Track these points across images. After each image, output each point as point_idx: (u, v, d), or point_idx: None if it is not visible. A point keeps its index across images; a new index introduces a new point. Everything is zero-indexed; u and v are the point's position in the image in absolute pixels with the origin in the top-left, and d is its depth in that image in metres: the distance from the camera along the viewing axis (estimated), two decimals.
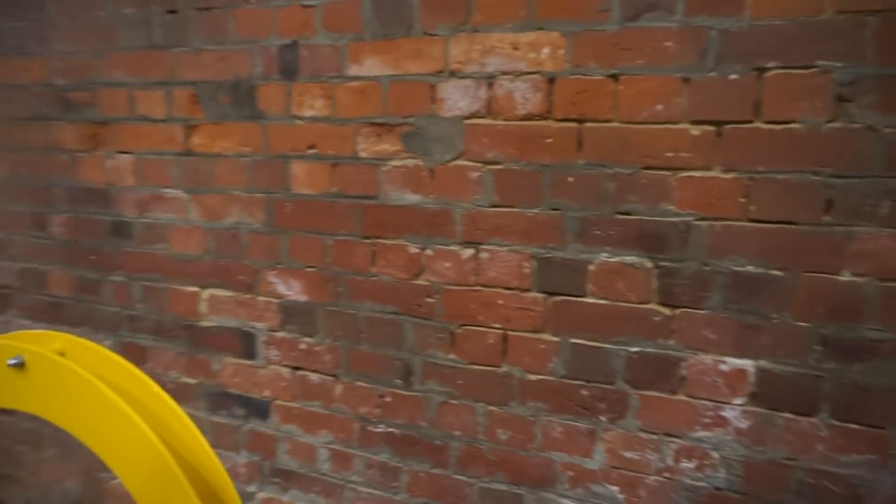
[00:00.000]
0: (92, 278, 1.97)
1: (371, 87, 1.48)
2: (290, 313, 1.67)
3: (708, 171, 1.21)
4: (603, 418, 1.35)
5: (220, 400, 1.82)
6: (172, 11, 1.69)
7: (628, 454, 1.34)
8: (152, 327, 1.89)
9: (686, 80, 1.21)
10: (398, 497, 1.60)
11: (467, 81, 1.38)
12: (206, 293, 1.79)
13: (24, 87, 1.98)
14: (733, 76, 1.17)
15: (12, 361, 0.66)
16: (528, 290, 1.39)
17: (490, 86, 1.37)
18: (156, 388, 0.71)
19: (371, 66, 1.47)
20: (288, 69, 1.57)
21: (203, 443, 0.71)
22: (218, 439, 1.84)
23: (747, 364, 1.21)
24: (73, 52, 1.86)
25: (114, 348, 1.97)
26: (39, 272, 2.08)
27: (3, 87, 2.02)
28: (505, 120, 1.36)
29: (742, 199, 1.19)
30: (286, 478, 1.75)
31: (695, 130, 1.21)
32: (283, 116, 1.60)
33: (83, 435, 0.69)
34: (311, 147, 1.58)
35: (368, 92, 1.49)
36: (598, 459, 1.37)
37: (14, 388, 0.68)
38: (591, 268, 1.33)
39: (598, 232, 1.31)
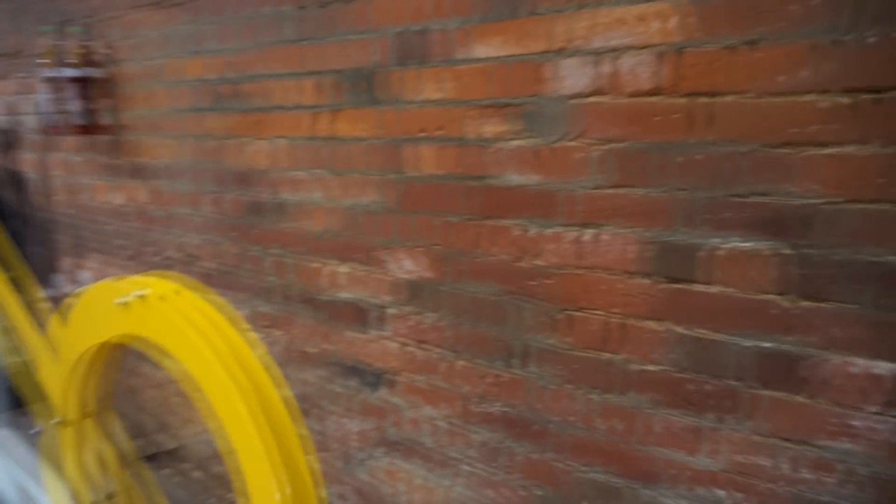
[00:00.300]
0: (253, 251, 2.23)
1: (486, 69, 1.51)
2: (409, 290, 1.76)
3: (863, 147, 1.06)
4: (713, 416, 1.26)
5: (345, 369, 1.97)
6: (314, 7, 1.85)
7: (739, 457, 1.23)
8: (291, 297, 2.09)
9: (837, 43, 1.06)
10: (501, 477, 1.62)
11: (584, 58, 1.36)
12: (341, 268, 1.94)
13: (207, 82, 2.29)
14: None
15: (119, 300, 0.79)
16: (638, 276, 1.34)
17: (608, 61, 1.33)
18: (237, 335, 0.81)
19: (487, 48, 1.50)
20: (411, 55, 1.65)
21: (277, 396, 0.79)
22: (345, 405, 1.99)
23: (884, 367, 1.06)
24: (235, 49, 2.12)
25: (268, 315, 2.21)
26: (214, 244, 2.39)
27: (189, 82, 2.35)
28: (622, 97, 1.32)
29: None
30: (401, 448, 1.85)
31: (845, 100, 1.07)
32: (403, 101, 1.68)
33: (184, 365, 0.80)
34: (429, 130, 1.64)
35: (484, 74, 1.52)
36: (705, 460, 1.27)
37: (119, 323, 0.82)
38: (702, 253, 1.24)
39: (721, 215, 1.22)
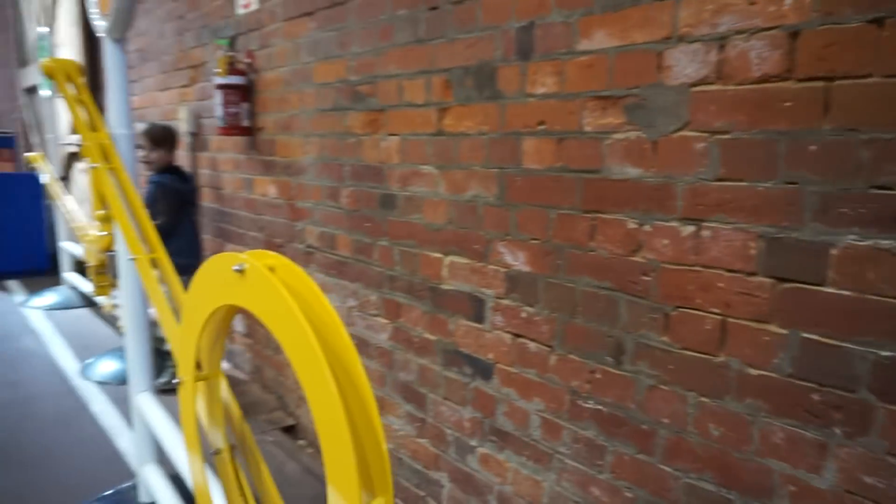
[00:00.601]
0: (366, 242, 2.35)
1: (597, 61, 1.48)
2: (515, 282, 1.77)
3: None
4: (838, 431, 1.15)
5: (453, 357, 2.01)
6: (434, 8, 1.91)
7: (869, 479, 1.11)
8: (405, 287, 2.17)
9: None
10: (601, 476, 1.58)
11: (696, 45, 1.29)
12: (448, 259, 1.99)
13: (330, 85, 2.44)
14: None
15: (236, 267, 0.88)
16: (754, 274, 1.25)
17: (721, 48, 1.26)
18: (334, 317, 0.87)
19: (599, 38, 1.47)
20: (524, 50, 1.65)
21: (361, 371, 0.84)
22: (449, 393, 2.04)
23: None
24: (362, 52, 2.24)
25: (377, 303, 2.32)
26: (331, 235, 2.55)
27: (318, 86, 2.52)
28: (736, 84, 1.24)
29: None
30: (502, 438, 1.86)
31: None
32: (517, 95, 1.69)
33: (276, 333, 0.88)
34: (541, 123, 1.64)
35: (595, 65, 1.49)
36: (827, 478, 1.16)
37: (235, 288, 0.90)
38: (834, 251, 1.13)
39: (844, 209, 1.11)
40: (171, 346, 1.42)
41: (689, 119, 1.32)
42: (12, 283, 5.74)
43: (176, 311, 1.48)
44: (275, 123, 2.88)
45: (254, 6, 2.90)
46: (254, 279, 0.86)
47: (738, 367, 1.28)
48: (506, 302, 1.80)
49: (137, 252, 1.67)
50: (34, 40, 7.19)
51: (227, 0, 3.15)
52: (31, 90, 7.77)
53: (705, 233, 1.32)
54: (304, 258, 2.77)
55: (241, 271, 0.88)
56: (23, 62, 8.12)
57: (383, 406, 2.36)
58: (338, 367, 0.76)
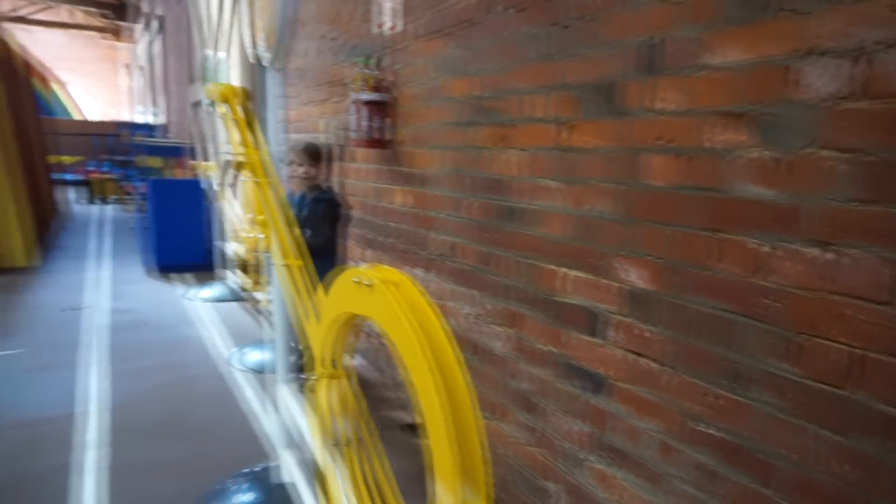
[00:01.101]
0: (487, 252, 2.43)
1: (724, 76, 1.45)
2: (631, 299, 1.76)
3: None
4: None
5: (568, 370, 2.03)
6: (564, 26, 1.95)
7: None
8: (524, 297, 2.23)
9: None
10: (713, 503, 1.53)
11: (831, 58, 1.23)
12: (566, 272, 2.02)
13: (459, 100, 2.56)
14: None
15: (355, 279, 1.01)
16: (887, 304, 1.16)
17: (858, 60, 1.19)
18: (443, 330, 0.96)
19: (727, 53, 1.44)
20: (648, 65, 1.65)
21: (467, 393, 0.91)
22: (562, 404, 2.06)
23: None
24: (490, 69, 2.33)
25: (497, 312, 2.39)
26: (456, 244, 2.66)
27: (447, 100, 2.65)
28: (876, 100, 1.17)
29: None
30: (614, 454, 1.85)
31: None
32: (640, 111, 1.69)
33: (393, 340, 0.98)
34: (663, 139, 1.63)
35: (721, 81, 1.46)
36: None
37: (364, 300, 1.02)
38: None
39: None
40: (310, 345, 1.59)
41: (822, 137, 1.26)
42: (176, 277, 6.53)
43: (316, 315, 1.65)
44: (410, 136, 3.06)
45: (393, 26, 3.11)
46: (378, 294, 0.98)
47: (865, 401, 1.20)
48: (622, 318, 1.80)
49: (288, 259, 1.88)
50: (203, 61, 8.14)
51: (370, 22, 3.40)
52: (198, 104, 8.80)
53: (835, 257, 1.25)
54: (431, 265, 2.91)
55: (368, 286, 1.00)
56: (193, 79, 9.21)
57: (499, 412, 2.43)
58: (443, 374, 0.85)
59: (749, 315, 1.43)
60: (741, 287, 1.45)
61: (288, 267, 1.87)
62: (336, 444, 1.32)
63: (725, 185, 1.47)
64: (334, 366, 1.26)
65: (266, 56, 2.24)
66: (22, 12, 21.90)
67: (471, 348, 2.56)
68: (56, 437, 3.00)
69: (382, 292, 0.96)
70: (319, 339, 1.26)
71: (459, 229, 2.64)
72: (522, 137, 2.19)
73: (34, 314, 5.15)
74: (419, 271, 3.03)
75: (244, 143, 2.26)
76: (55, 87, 15.85)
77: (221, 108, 2.35)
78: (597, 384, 1.91)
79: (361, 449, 1.34)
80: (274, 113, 2.24)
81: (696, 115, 1.53)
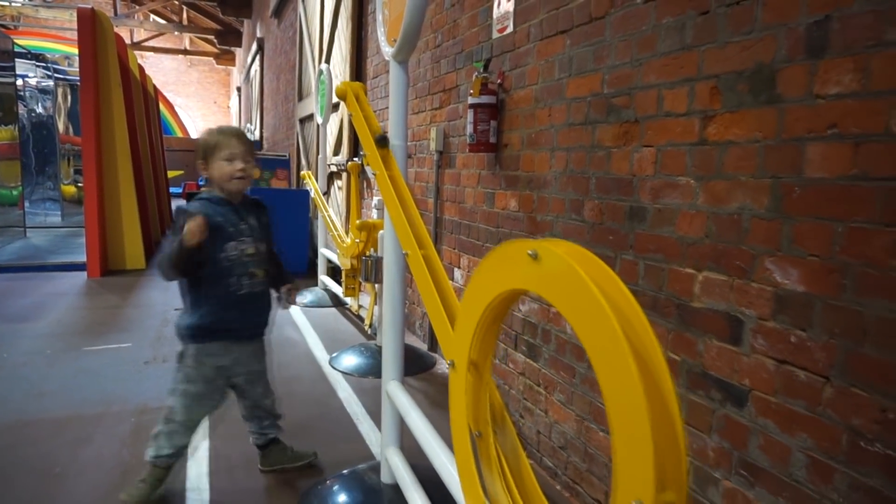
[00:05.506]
0: (608, 255, 2.32)
1: None
2: (784, 303, 1.61)
3: None
4: None
5: (700, 380, 1.88)
6: (704, 13, 1.85)
7: None
8: (649, 303, 2.10)
9: None
10: None
11: None
12: (701, 275, 1.88)
13: (581, 99, 2.48)
14: None
15: (530, 252, 0.93)
16: None
17: None
18: (633, 303, 0.85)
19: None
20: (815, 47, 1.52)
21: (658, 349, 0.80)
22: (692, 418, 1.91)
23: None
24: (619, 64, 2.24)
25: None
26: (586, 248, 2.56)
27: (568, 100, 2.58)
28: None
29: None
30: (754, 473, 1.68)
31: None
32: (802, 97, 1.55)
33: (569, 319, 0.89)
34: (832, 126, 1.48)
35: None
36: None
37: (530, 273, 0.95)
38: None
39: None
40: (440, 334, 1.54)
41: None
42: None
43: (444, 304, 1.59)
44: (521, 139, 3.01)
45: (509, 29, 3.09)
46: (550, 265, 0.90)
47: None
48: (771, 324, 1.65)
49: (410, 248, 1.84)
50: (310, 77, 8.47)
51: (483, 26, 3.40)
52: (303, 120, 9.16)
53: None
54: None
55: (534, 257, 0.93)
56: (300, 96, 9.61)
57: None
58: (638, 354, 0.75)
59: None
60: None
61: (410, 257, 1.84)
62: (479, 435, 1.25)
63: None
64: (475, 355, 1.19)
65: (388, 49, 2.26)
66: (135, 38, 23.96)
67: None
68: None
69: (558, 262, 0.89)
70: (461, 327, 1.20)
71: (576, 232, 2.54)
72: (654, 134, 2.08)
73: (146, 311, 5.45)
74: None
75: (364, 138, 2.27)
76: (162, 106, 17.09)
77: (350, 105, 2.38)
78: (735, 396, 1.75)
79: (503, 439, 1.27)
80: (399, 108, 2.24)
81: (876, 98, 1.38)
